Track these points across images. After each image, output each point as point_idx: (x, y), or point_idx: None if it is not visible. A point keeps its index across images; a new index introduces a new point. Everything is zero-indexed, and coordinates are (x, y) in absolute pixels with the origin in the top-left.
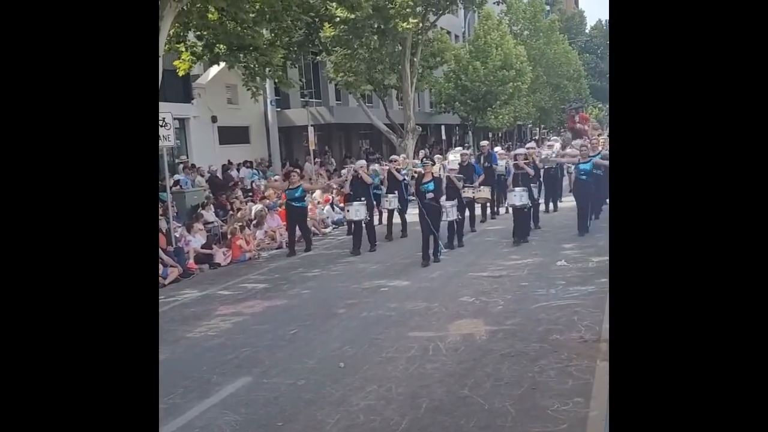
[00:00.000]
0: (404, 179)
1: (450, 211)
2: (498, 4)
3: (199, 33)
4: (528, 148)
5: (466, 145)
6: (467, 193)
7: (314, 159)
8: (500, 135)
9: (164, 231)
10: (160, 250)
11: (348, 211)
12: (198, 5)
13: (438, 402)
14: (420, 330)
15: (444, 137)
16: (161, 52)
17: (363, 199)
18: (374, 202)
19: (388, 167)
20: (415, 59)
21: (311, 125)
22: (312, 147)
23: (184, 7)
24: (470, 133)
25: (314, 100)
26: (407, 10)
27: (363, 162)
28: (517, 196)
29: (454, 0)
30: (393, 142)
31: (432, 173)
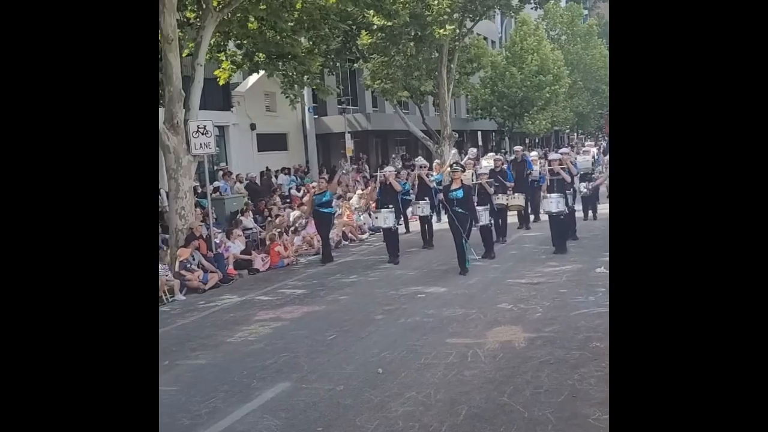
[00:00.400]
0: (434, 186)
1: (482, 215)
2: (535, 9)
3: (239, 42)
4: (562, 153)
5: (503, 150)
6: (500, 199)
7: (351, 165)
8: (537, 140)
9: (204, 237)
10: (201, 255)
11: (376, 218)
12: (238, 15)
13: (477, 409)
14: (458, 336)
15: (480, 143)
16: (202, 62)
17: (391, 206)
18: (402, 209)
19: (417, 173)
20: (451, 65)
21: (348, 132)
22: (349, 154)
23: (225, 17)
24: (507, 138)
25: (351, 107)
26: (444, 17)
27: (391, 168)
28: (554, 203)
29: (491, 6)
30: (429, 148)
31: (461, 180)
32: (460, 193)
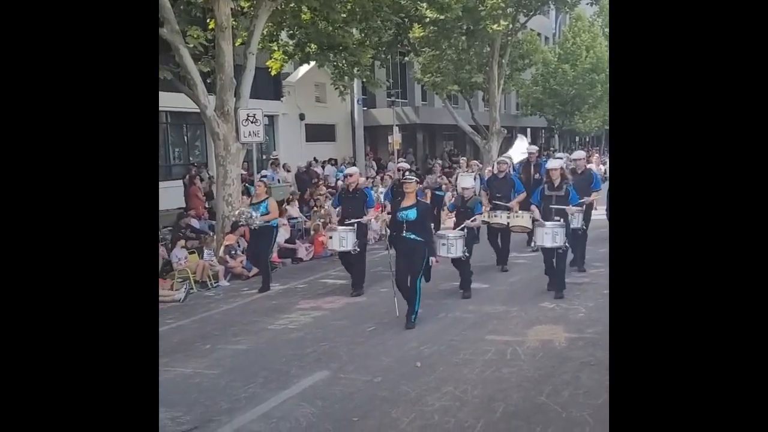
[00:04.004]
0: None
1: (454, 243)
2: (591, 5)
3: (291, 32)
4: (575, 160)
5: (552, 149)
6: (499, 218)
7: (398, 159)
8: (587, 139)
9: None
10: (246, 243)
11: (330, 237)
12: (291, 5)
13: (514, 407)
14: (498, 333)
15: (529, 140)
16: (254, 51)
17: (353, 221)
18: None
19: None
20: (503, 61)
21: (396, 125)
22: (396, 147)
23: (278, 7)
24: (557, 136)
25: (400, 100)
26: (498, 11)
27: (355, 169)
28: (549, 235)
29: (545, 1)
30: (477, 143)
31: (416, 195)
32: (412, 213)
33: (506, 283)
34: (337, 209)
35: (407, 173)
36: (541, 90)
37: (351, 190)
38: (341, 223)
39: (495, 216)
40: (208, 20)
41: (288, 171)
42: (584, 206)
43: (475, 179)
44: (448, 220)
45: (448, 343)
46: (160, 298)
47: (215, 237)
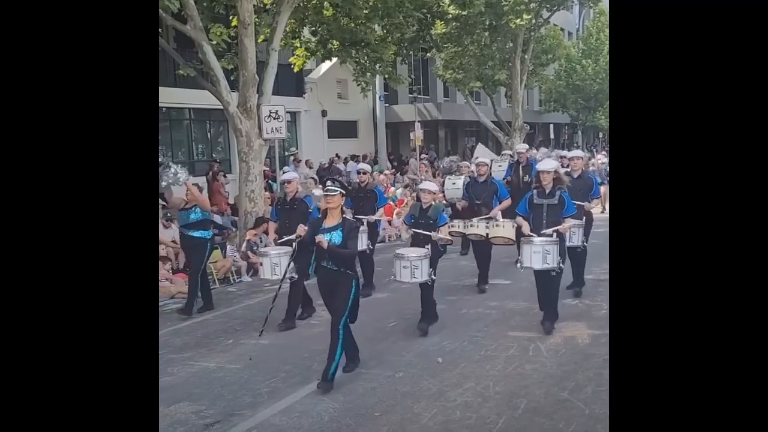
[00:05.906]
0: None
1: (419, 265)
2: None
3: (313, 29)
4: (572, 159)
5: (575, 144)
6: (475, 228)
7: (419, 155)
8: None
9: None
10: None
11: (261, 264)
12: (314, 1)
13: (536, 403)
14: (520, 330)
15: (552, 136)
16: (277, 47)
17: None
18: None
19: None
20: (526, 56)
21: (418, 121)
22: (418, 143)
23: (301, 4)
24: (580, 132)
25: (422, 96)
26: (521, 6)
27: (294, 175)
28: (539, 254)
29: None
30: (499, 139)
31: (342, 211)
32: (336, 236)
33: (528, 280)
34: (277, 224)
35: (329, 183)
36: (564, 85)
37: (289, 200)
38: (282, 237)
39: (472, 226)
40: (231, 17)
41: (310, 167)
42: (583, 219)
43: (463, 184)
44: (405, 234)
45: (470, 339)
46: (183, 294)
47: (238, 233)
